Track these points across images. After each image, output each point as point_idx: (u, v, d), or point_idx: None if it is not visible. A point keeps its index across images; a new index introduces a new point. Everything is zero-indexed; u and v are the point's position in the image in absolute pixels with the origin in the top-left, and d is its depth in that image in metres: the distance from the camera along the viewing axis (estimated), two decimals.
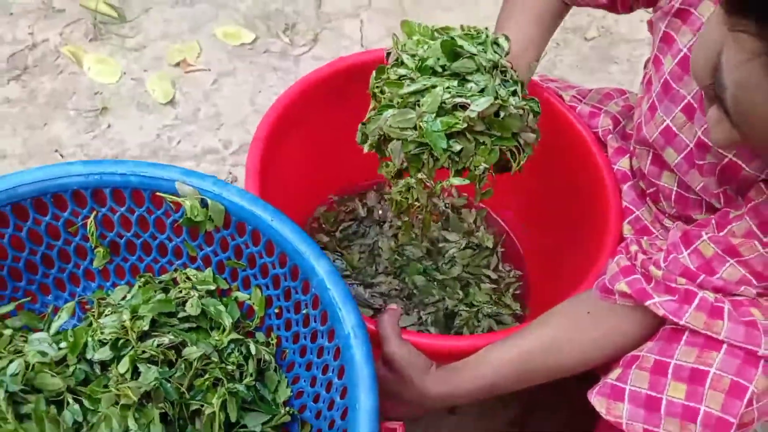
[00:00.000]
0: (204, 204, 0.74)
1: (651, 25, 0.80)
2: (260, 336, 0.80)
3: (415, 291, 1.11)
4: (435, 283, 1.12)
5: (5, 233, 0.74)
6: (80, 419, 0.65)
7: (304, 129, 1.00)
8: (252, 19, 1.54)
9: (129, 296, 0.76)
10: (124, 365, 0.67)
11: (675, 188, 0.81)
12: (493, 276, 1.15)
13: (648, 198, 0.88)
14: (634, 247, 0.75)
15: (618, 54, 1.57)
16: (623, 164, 0.92)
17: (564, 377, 0.76)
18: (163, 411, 0.66)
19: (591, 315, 0.73)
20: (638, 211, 0.88)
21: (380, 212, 1.20)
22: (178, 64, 1.44)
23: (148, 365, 0.66)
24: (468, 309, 1.08)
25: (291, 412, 0.75)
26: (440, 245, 1.18)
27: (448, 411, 1.16)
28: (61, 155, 1.30)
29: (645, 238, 0.82)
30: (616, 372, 0.70)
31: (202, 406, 0.67)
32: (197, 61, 1.46)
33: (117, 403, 0.65)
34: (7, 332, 0.71)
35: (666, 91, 0.75)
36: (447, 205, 1.22)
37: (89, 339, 0.68)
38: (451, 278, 1.13)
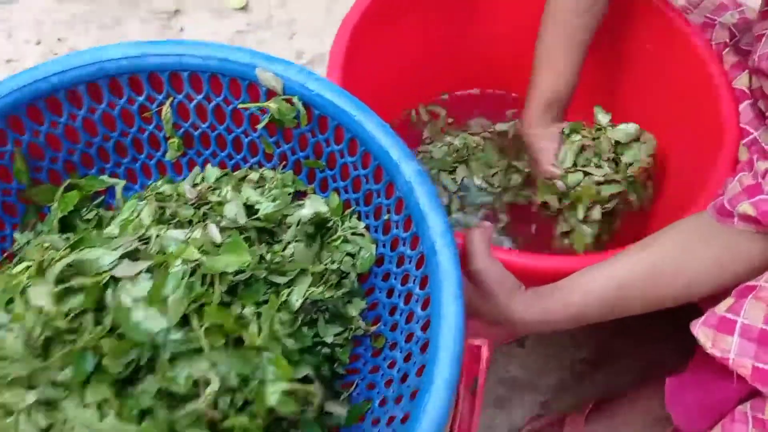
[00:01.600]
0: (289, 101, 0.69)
1: None
2: None
3: None
4: None
5: (77, 115, 0.71)
6: None
7: (392, 30, 0.94)
8: None
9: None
10: None
11: None
12: None
13: None
14: (760, 164, 0.65)
15: None
16: (742, 81, 0.83)
17: (662, 309, 0.70)
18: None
19: (702, 238, 0.64)
20: (756, 133, 0.79)
21: None
22: None
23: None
24: None
25: (365, 325, 0.71)
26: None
27: (517, 344, 1.12)
28: None
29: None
30: (726, 302, 0.62)
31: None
32: None
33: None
34: None
35: None
36: None
37: None
38: None
